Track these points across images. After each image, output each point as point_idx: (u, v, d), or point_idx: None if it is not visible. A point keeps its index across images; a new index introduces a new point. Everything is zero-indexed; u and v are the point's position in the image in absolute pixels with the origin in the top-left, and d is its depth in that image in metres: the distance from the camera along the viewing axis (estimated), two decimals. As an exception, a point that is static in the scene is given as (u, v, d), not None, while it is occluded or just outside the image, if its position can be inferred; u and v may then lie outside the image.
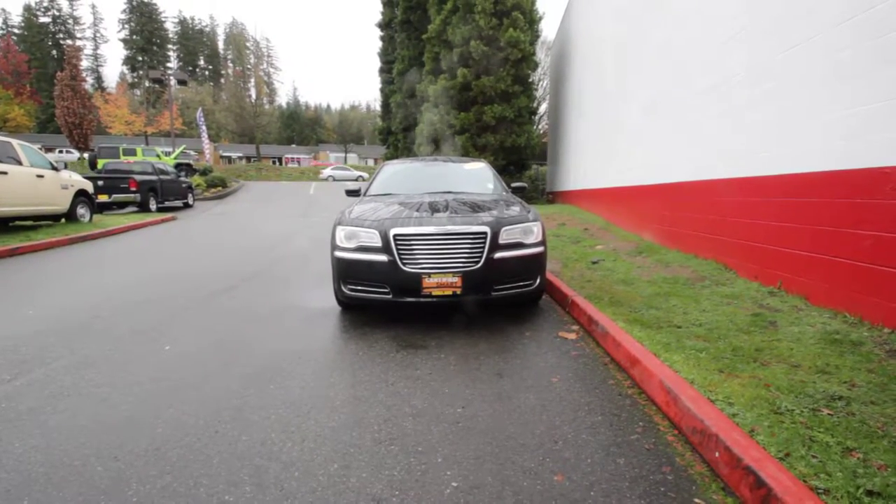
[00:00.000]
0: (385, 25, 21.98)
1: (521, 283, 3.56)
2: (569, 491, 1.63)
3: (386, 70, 22.08)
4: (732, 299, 3.80)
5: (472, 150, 14.11)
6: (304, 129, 65.55)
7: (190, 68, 70.19)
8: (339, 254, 3.59)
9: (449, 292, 3.35)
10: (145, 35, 65.89)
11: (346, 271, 3.56)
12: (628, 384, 2.51)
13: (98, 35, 67.14)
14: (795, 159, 3.66)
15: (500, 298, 3.51)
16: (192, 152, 22.90)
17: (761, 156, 4.15)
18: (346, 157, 52.20)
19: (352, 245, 3.55)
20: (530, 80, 14.67)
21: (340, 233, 3.64)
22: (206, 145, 26.18)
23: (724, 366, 2.50)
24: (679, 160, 5.82)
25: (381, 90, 22.86)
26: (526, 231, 3.61)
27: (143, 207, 13.24)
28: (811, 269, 3.44)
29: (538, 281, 3.65)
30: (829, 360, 2.49)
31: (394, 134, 20.69)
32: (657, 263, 5.42)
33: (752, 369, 2.46)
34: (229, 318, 3.80)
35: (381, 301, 3.47)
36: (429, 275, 3.32)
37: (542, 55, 21.01)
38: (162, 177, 14.39)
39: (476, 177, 5.10)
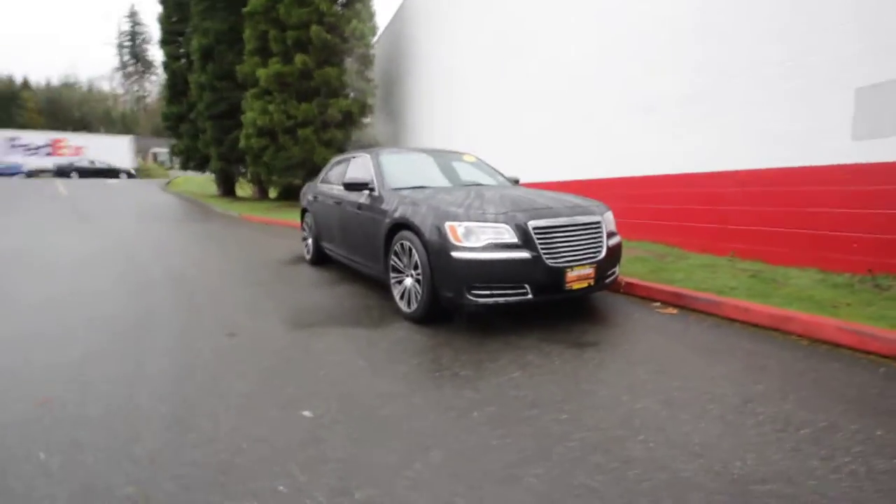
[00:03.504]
0: (169, -13, 17.63)
1: (615, 270, 3.72)
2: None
3: (170, 42, 17.74)
4: (712, 268, 4.82)
5: (317, 146, 12.95)
6: (-12, 107, 46.51)
7: None
8: (461, 255, 3.03)
9: (585, 284, 3.26)
10: None
11: (474, 274, 3.03)
12: (794, 338, 3.02)
13: None
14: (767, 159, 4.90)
15: (606, 286, 3.60)
16: None
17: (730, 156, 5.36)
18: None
19: (479, 244, 3.04)
20: (371, 75, 14.36)
21: (458, 229, 3.07)
22: None
23: (824, 310, 3.27)
24: (611, 160, 6.83)
25: (166, 66, 18.26)
26: (609, 220, 3.78)
27: None
28: (768, 240, 4.71)
29: (618, 267, 3.87)
30: (857, 297, 3.55)
31: (190, 122, 16.96)
32: (600, 247, 6.30)
33: (834, 309, 3.30)
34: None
35: (517, 303, 3.10)
36: (571, 268, 3.16)
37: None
38: None
39: (482, 169, 4.95)
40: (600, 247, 3.38)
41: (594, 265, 3.28)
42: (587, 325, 3.38)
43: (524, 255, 3.05)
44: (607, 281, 3.55)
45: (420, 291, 3.31)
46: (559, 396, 2.27)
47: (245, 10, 13.04)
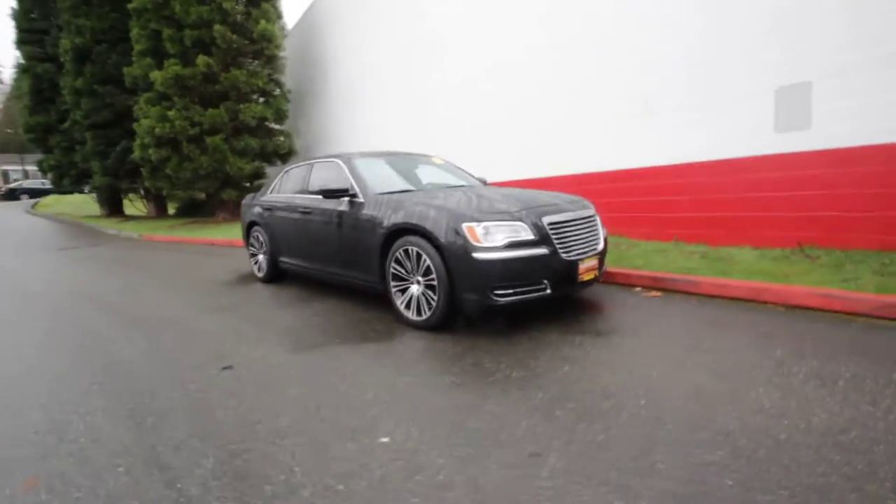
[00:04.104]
0: (25, -22, 14.74)
1: (605, 261, 3.91)
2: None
3: (32, 41, 14.87)
4: (663, 252, 5.30)
5: (230, 155, 11.89)
6: None
7: None
8: (483, 255, 2.97)
9: (591, 276, 3.39)
10: None
11: (497, 274, 2.99)
12: (770, 306, 3.42)
13: None
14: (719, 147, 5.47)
15: (603, 276, 3.77)
16: None
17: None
18: None
19: (497, 243, 3.01)
20: (283, 78, 13.53)
21: (476, 230, 3.01)
22: None
23: (779, 279, 3.76)
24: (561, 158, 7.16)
25: (26, 69, 15.25)
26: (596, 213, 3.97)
27: None
28: (707, 224, 5.30)
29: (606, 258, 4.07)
30: (797, 268, 4.13)
31: (62, 133, 14.47)
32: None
33: (786, 278, 3.81)
34: None
35: (537, 299, 3.12)
36: (582, 260, 3.26)
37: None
38: None
39: (453, 171, 4.90)
40: (598, 238, 3.54)
41: (596, 256, 3.43)
42: (592, 314, 3.51)
43: (543, 251, 3.08)
44: (603, 270, 3.73)
45: (435, 297, 3.18)
46: (623, 384, 2.32)
47: (131, 5, 11.56)
